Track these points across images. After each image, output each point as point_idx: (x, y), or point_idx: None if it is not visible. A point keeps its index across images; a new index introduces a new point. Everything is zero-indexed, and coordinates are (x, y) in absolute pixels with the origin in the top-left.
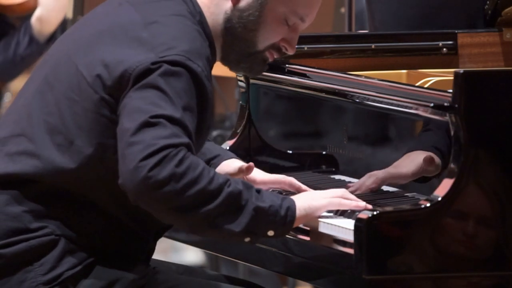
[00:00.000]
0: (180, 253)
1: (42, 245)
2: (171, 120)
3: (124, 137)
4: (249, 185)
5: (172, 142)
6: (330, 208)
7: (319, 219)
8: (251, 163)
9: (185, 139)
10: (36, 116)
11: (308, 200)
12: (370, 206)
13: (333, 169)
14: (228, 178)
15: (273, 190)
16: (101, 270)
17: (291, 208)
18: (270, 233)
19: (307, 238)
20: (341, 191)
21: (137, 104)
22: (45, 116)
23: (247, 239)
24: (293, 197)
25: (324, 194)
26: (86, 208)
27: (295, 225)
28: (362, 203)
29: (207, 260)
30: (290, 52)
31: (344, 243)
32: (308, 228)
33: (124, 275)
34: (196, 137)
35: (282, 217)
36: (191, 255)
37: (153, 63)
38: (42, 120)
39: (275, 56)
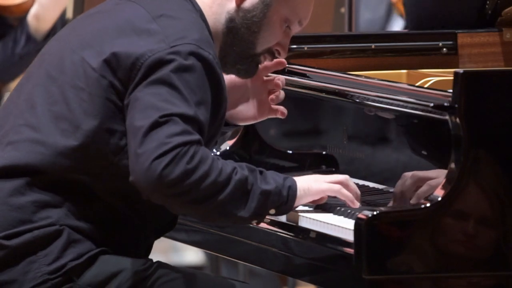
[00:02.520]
0: (180, 253)
1: (46, 236)
2: (184, 117)
3: (137, 135)
4: (252, 168)
5: (184, 140)
6: (329, 193)
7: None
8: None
9: (196, 136)
10: (40, 106)
11: (310, 181)
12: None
13: (333, 169)
14: (234, 166)
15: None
16: (104, 261)
17: (293, 187)
18: (272, 211)
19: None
20: (344, 177)
21: (150, 101)
22: (49, 106)
23: (254, 222)
24: (295, 177)
25: (327, 179)
26: (89, 199)
27: (295, 205)
28: (357, 203)
29: (207, 260)
30: (283, 56)
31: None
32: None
33: (127, 266)
34: (213, 125)
35: (285, 197)
36: (191, 255)
37: (166, 54)
38: (47, 110)
39: (267, 60)
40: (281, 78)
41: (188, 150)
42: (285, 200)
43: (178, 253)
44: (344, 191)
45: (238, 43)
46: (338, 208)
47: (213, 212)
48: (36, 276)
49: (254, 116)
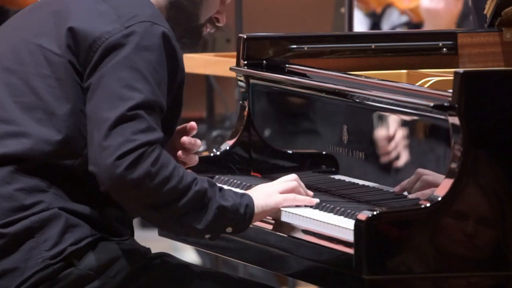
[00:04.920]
0: (180, 253)
1: (43, 220)
2: (147, 105)
3: (102, 127)
4: (212, 183)
5: (149, 138)
6: (285, 204)
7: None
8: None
9: (159, 133)
10: (4, 100)
11: (265, 197)
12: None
13: (333, 169)
14: (195, 176)
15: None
16: (104, 247)
17: (250, 205)
18: (229, 229)
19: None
20: (294, 179)
21: (114, 88)
22: (15, 98)
23: (207, 236)
24: (250, 193)
25: (279, 188)
26: (72, 179)
27: (252, 222)
28: (314, 200)
29: (207, 260)
30: (222, 23)
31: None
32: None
33: (127, 253)
34: (169, 95)
35: (242, 215)
36: (191, 255)
37: (123, 36)
38: (13, 102)
39: (209, 30)
40: (197, 142)
41: (153, 152)
42: (243, 218)
43: (178, 253)
44: (299, 197)
45: (182, 16)
46: (338, 208)
47: (169, 220)
48: (37, 262)
49: None
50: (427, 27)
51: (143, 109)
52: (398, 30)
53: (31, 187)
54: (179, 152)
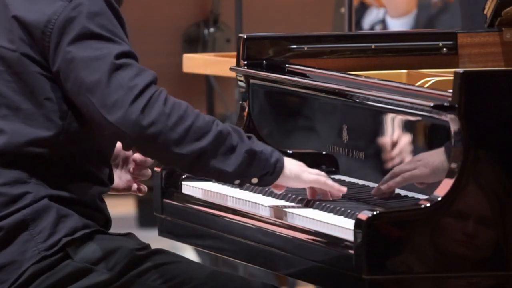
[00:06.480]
0: (180, 253)
1: (35, 212)
2: (126, 54)
3: (97, 90)
4: (237, 129)
5: (148, 79)
6: (315, 185)
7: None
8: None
9: (152, 72)
10: None
11: (299, 167)
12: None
13: (333, 169)
14: (215, 119)
15: None
16: (101, 239)
17: (280, 160)
18: (254, 180)
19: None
20: (324, 175)
21: (86, 55)
22: None
23: (237, 182)
24: (284, 158)
25: (313, 171)
26: (52, 167)
27: (278, 182)
28: (343, 189)
29: (207, 260)
30: None
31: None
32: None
33: (124, 245)
34: None
35: (271, 165)
36: (191, 255)
37: (71, 10)
38: None
39: None
40: (147, 159)
41: (161, 93)
42: (272, 170)
43: (178, 253)
44: (330, 181)
45: None
46: (338, 208)
47: (195, 161)
48: (34, 254)
49: (118, 188)
50: (390, 12)
51: (124, 57)
52: (377, 29)
53: (13, 179)
54: (132, 168)
